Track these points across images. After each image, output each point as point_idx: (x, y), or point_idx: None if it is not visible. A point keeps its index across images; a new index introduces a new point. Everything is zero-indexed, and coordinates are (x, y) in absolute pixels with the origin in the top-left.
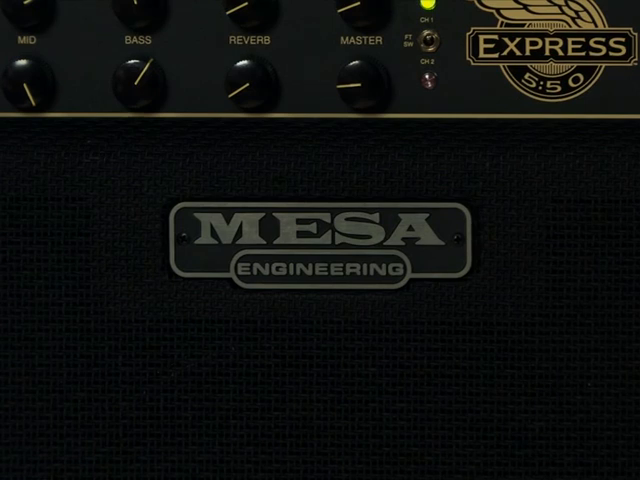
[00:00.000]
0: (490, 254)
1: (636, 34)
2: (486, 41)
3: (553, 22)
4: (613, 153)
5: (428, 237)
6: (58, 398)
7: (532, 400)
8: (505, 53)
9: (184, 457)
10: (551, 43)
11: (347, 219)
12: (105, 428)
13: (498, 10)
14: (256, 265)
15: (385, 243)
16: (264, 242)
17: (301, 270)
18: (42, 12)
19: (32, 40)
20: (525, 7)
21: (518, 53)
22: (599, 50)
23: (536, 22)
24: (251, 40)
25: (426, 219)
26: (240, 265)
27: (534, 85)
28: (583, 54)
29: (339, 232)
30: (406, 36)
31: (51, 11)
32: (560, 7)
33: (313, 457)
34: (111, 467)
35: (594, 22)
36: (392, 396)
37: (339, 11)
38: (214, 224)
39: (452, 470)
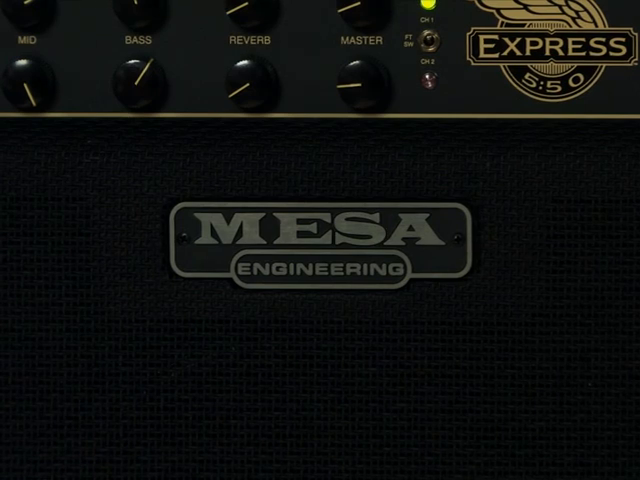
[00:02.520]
0: (490, 254)
1: (636, 34)
2: (486, 41)
3: (553, 22)
4: (613, 153)
5: (428, 237)
6: (58, 398)
7: (532, 400)
8: (505, 53)
9: (184, 457)
10: (551, 43)
11: (347, 219)
12: (105, 428)
13: (498, 10)
14: (256, 265)
15: (385, 243)
16: (264, 242)
17: (301, 270)
18: (42, 12)
19: (32, 40)
20: (525, 7)
21: (518, 53)
22: (599, 50)
23: (536, 22)
24: (251, 40)
25: (426, 219)
26: (240, 265)
27: (534, 85)
28: (583, 54)
29: (339, 232)
30: (406, 36)
31: (51, 11)
32: (560, 7)
33: (313, 457)
34: (111, 467)
35: (594, 22)
36: (392, 396)
37: (339, 11)
38: (214, 224)
39: (452, 470)
